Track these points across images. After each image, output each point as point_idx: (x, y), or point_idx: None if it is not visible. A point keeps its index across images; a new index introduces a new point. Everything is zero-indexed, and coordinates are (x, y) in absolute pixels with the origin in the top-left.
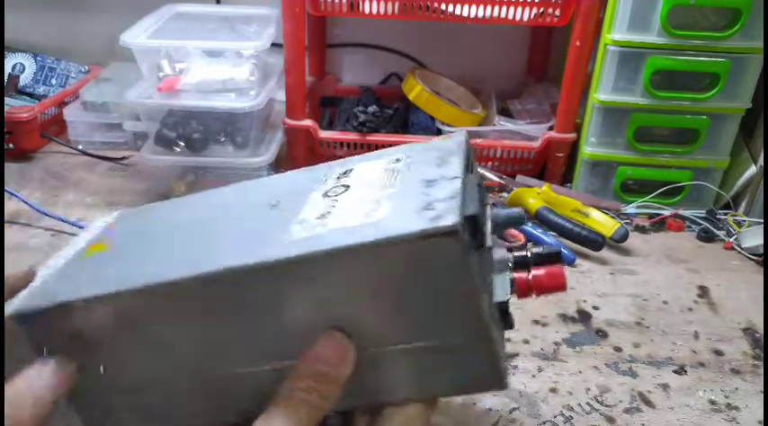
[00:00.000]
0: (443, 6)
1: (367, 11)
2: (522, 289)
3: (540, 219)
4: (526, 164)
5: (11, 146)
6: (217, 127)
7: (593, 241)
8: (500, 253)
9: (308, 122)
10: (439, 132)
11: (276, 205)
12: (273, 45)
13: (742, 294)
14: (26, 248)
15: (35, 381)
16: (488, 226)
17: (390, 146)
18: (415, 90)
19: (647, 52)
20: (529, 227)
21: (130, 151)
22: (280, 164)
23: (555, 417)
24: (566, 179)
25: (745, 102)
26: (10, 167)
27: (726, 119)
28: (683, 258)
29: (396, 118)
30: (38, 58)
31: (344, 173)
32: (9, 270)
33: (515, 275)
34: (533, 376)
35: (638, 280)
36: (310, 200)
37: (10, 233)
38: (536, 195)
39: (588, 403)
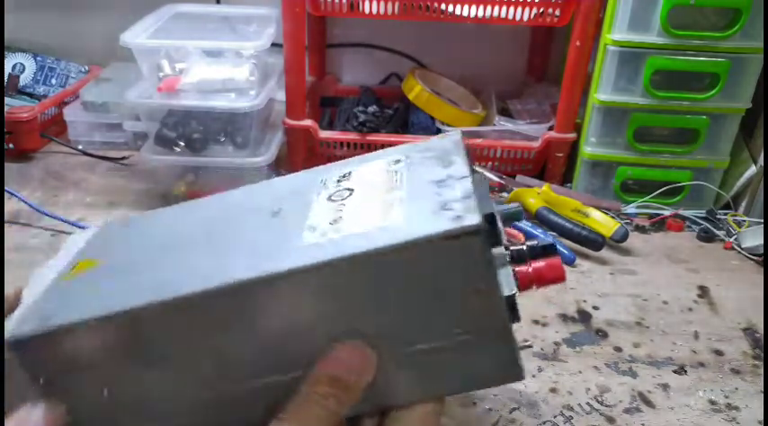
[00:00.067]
0: (443, 6)
1: (367, 11)
2: (524, 282)
3: (540, 219)
4: (526, 164)
5: (11, 146)
6: (217, 127)
7: (593, 241)
8: (497, 249)
9: (308, 122)
10: (439, 132)
11: (278, 212)
12: (273, 45)
13: (742, 294)
14: (26, 248)
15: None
16: (501, 224)
17: (390, 146)
18: (415, 90)
19: (647, 52)
20: (528, 227)
21: (130, 151)
22: (280, 164)
23: (555, 417)
24: (566, 179)
25: (745, 102)
26: (10, 167)
27: (726, 119)
28: (683, 258)
29: (396, 118)
30: (38, 58)
31: (344, 175)
32: (9, 269)
33: (517, 269)
34: (533, 376)
35: (638, 280)
36: (315, 205)
37: (10, 233)
38: (536, 195)
39: (588, 403)
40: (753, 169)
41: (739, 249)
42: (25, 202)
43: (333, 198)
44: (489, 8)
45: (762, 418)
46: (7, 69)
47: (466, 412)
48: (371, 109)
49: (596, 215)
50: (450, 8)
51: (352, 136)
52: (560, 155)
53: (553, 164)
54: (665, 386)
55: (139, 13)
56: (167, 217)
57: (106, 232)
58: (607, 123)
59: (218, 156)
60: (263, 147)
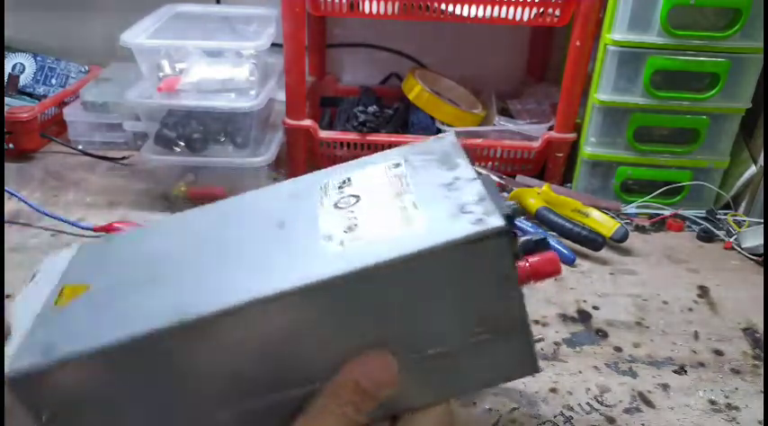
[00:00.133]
0: (443, 6)
1: (367, 11)
2: (522, 277)
3: (540, 219)
4: (526, 164)
5: (11, 146)
6: (217, 127)
7: (593, 241)
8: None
9: (307, 122)
10: (438, 132)
11: (284, 223)
12: (273, 45)
13: (742, 294)
14: (26, 248)
15: None
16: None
17: (390, 146)
18: (415, 90)
19: (647, 52)
20: (529, 227)
21: (130, 151)
22: (280, 164)
23: (555, 417)
24: (566, 179)
25: (745, 102)
26: (10, 167)
27: (726, 119)
28: (683, 258)
29: (396, 118)
30: (38, 58)
31: (344, 181)
32: (9, 269)
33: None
34: (533, 376)
35: (638, 280)
36: (322, 214)
37: (10, 233)
38: (536, 195)
39: (588, 403)
40: (753, 169)
41: (739, 249)
42: (25, 202)
43: (339, 205)
44: (489, 8)
45: (762, 418)
46: (7, 69)
47: (466, 412)
48: (371, 109)
49: (596, 215)
50: (450, 8)
51: (352, 136)
52: (560, 155)
53: (553, 164)
54: (665, 386)
55: (139, 13)
56: (157, 234)
57: (88, 253)
58: (607, 123)
59: (218, 156)
60: (263, 147)
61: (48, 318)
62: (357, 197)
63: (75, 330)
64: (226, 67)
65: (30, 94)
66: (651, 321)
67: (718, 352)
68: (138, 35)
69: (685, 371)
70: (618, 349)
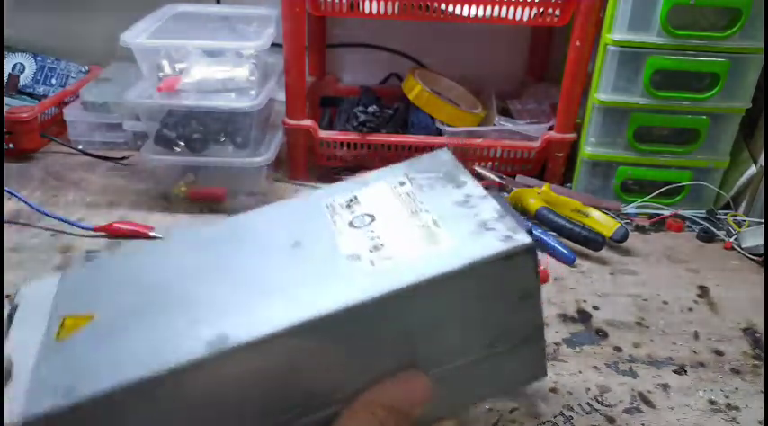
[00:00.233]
0: (443, 6)
1: (367, 11)
2: None
3: (540, 219)
4: (526, 164)
5: (11, 146)
6: (217, 127)
7: (593, 241)
8: None
9: (308, 122)
10: (439, 132)
11: (299, 244)
12: (273, 45)
13: (742, 294)
14: (26, 248)
15: None
16: None
17: (390, 145)
18: (415, 90)
19: (647, 52)
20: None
21: (130, 151)
22: (280, 165)
23: (555, 417)
24: (566, 179)
25: (746, 102)
26: (10, 167)
27: (726, 119)
28: (683, 258)
29: (396, 118)
30: (38, 58)
31: (351, 200)
32: (9, 269)
33: None
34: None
35: (638, 280)
36: (337, 233)
37: (10, 233)
38: (536, 195)
39: (588, 403)
40: (753, 169)
41: (739, 249)
42: (25, 202)
43: (355, 224)
44: (489, 8)
45: (762, 418)
46: (7, 69)
47: (466, 412)
48: (371, 109)
49: (596, 215)
50: (450, 8)
51: (352, 136)
52: (560, 155)
53: (553, 164)
54: (665, 386)
55: (139, 13)
56: (159, 257)
57: (79, 280)
58: (607, 123)
59: (218, 156)
60: (263, 147)
61: (52, 353)
62: (371, 216)
63: (88, 366)
64: (226, 67)
65: (30, 94)
66: (651, 321)
67: (718, 352)
68: (138, 35)
69: (685, 371)
70: (618, 349)
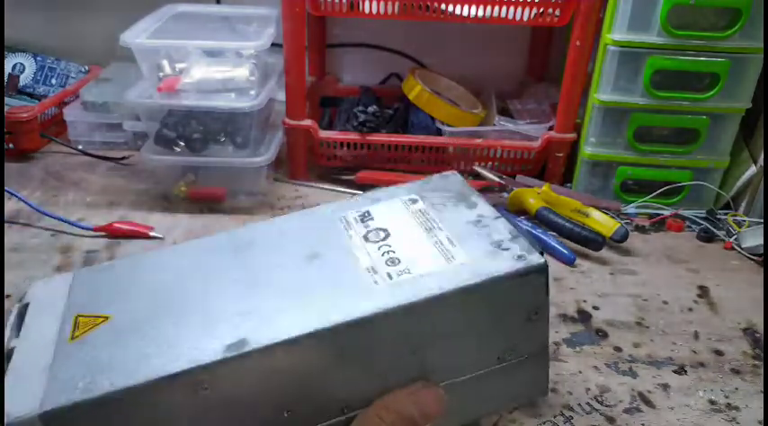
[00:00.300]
0: (443, 6)
1: (367, 11)
2: None
3: (540, 219)
4: (526, 164)
5: (11, 146)
6: (217, 127)
7: (593, 241)
8: None
9: (308, 122)
10: (439, 132)
11: (315, 255)
12: (273, 45)
13: (742, 294)
14: (26, 248)
15: None
16: None
17: (390, 145)
18: (415, 90)
19: (647, 52)
20: (529, 227)
21: (130, 151)
22: (280, 165)
23: (555, 417)
24: (566, 179)
25: (745, 102)
26: (10, 167)
27: (726, 119)
28: (683, 258)
29: (396, 118)
30: (38, 58)
31: (364, 215)
32: (9, 269)
33: None
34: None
35: (638, 280)
36: (354, 247)
37: (10, 233)
38: (536, 195)
39: (588, 403)
40: (753, 169)
41: (739, 249)
42: (25, 202)
43: (369, 238)
44: (489, 8)
45: (762, 418)
46: (7, 69)
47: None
48: (371, 109)
49: (596, 215)
50: (450, 8)
51: (352, 136)
52: (560, 155)
53: (553, 164)
54: (665, 386)
55: (139, 13)
56: (174, 261)
57: (92, 280)
58: (607, 123)
59: (218, 156)
60: (263, 147)
61: (68, 351)
62: (386, 230)
63: (108, 364)
64: (226, 67)
65: (30, 94)
66: (651, 321)
67: (718, 352)
68: (138, 35)
69: (685, 371)
70: (618, 349)
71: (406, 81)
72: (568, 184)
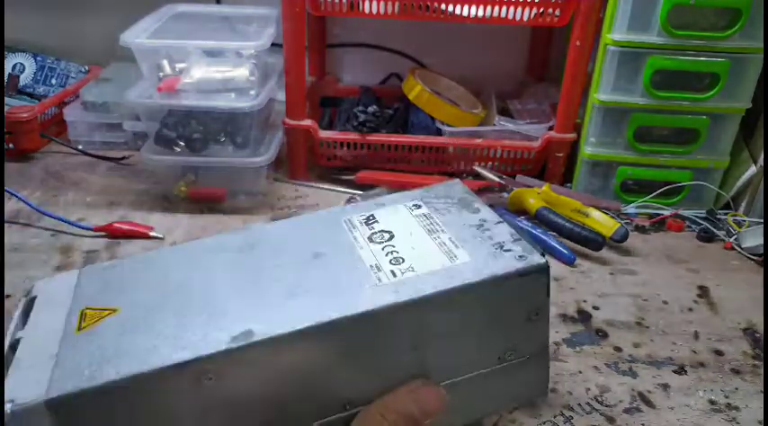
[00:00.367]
0: (443, 6)
1: (367, 11)
2: None
3: (540, 219)
4: (526, 164)
5: (11, 146)
6: (217, 127)
7: (593, 241)
8: None
9: (308, 122)
10: (439, 132)
11: (320, 254)
12: (273, 45)
13: (742, 294)
14: (26, 248)
15: None
16: None
17: (390, 145)
18: (415, 90)
19: (647, 52)
20: (528, 227)
21: (130, 151)
22: (280, 165)
23: (555, 417)
24: (566, 179)
25: (745, 102)
26: (10, 167)
27: (726, 119)
28: (683, 258)
29: (396, 118)
30: (38, 58)
31: (368, 218)
32: (9, 269)
33: None
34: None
35: (638, 280)
36: (359, 247)
37: (10, 233)
38: (536, 195)
39: (588, 403)
40: (753, 169)
41: (739, 249)
42: (25, 202)
43: (374, 239)
44: (489, 8)
45: (762, 418)
46: (7, 69)
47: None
48: (371, 109)
49: (596, 215)
50: (450, 8)
51: (352, 136)
52: (560, 155)
53: (553, 164)
54: (665, 386)
55: (139, 13)
56: (177, 258)
57: (99, 277)
58: (607, 123)
59: (218, 156)
60: (263, 147)
61: (74, 342)
62: (390, 232)
63: (114, 353)
64: (226, 67)
65: (30, 94)
66: (651, 321)
67: (718, 352)
68: (138, 35)
69: (685, 371)
70: (618, 349)
71: (406, 81)
72: (568, 184)
